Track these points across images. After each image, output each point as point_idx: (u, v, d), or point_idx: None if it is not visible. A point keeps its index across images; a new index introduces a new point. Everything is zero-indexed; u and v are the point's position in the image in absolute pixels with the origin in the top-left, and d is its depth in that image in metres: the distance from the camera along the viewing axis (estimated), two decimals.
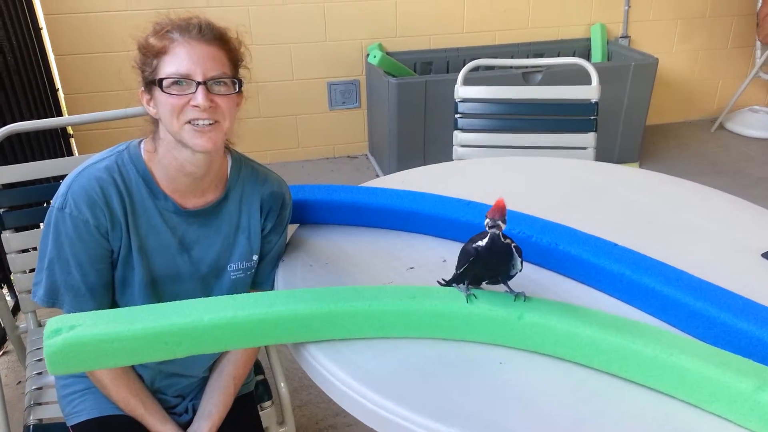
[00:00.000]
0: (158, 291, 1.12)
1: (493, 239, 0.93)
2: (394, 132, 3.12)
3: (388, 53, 3.37)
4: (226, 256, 1.16)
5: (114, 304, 1.13)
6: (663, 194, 1.52)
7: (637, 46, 3.78)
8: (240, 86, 1.05)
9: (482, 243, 0.94)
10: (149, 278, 1.11)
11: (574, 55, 3.66)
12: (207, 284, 1.16)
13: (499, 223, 0.90)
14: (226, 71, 1.02)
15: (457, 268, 1.00)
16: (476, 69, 2.18)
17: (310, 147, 3.62)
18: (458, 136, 2.11)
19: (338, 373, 0.95)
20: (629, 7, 3.74)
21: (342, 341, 1.01)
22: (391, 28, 3.47)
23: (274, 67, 3.37)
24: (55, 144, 3.02)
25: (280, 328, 0.98)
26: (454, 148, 2.12)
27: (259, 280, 1.23)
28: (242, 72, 1.08)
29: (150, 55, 1.01)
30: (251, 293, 1.02)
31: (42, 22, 3.02)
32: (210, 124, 1.02)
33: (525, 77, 3.14)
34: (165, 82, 0.99)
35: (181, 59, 0.99)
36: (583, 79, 2.10)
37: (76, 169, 1.06)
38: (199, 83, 0.99)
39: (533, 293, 1.02)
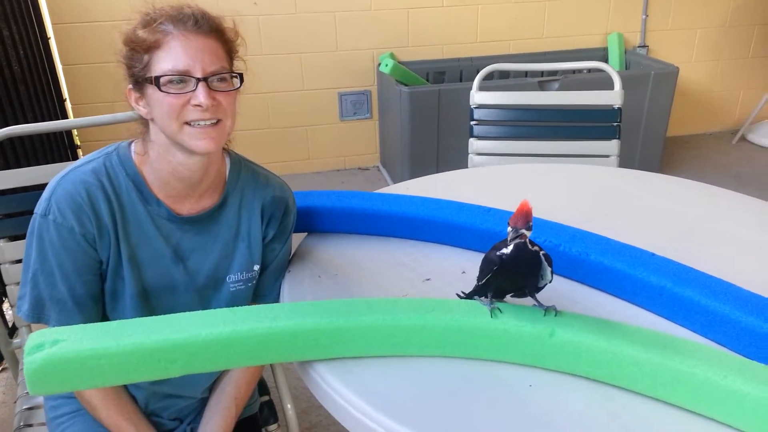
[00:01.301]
0: (151, 304, 1.04)
1: (519, 246, 0.83)
2: (406, 142, 3.03)
3: (400, 62, 3.30)
4: (224, 266, 1.07)
5: (104, 319, 1.04)
6: (698, 202, 1.42)
7: (656, 56, 3.69)
8: (241, 81, 0.97)
9: (507, 250, 0.84)
10: (141, 290, 1.02)
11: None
12: (204, 297, 1.07)
13: (524, 231, 0.81)
14: (225, 65, 0.94)
15: (479, 278, 0.90)
16: (491, 77, 2.09)
17: (321, 158, 3.55)
18: (474, 144, 2.02)
19: (348, 396, 0.86)
20: (647, 16, 3.65)
21: (353, 359, 0.92)
22: (403, 37, 3.40)
23: (284, 77, 3.31)
24: (62, 155, 2.97)
25: (284, 344, 0.89)
26: (470, 156, 2.03)
27: (262, 292, 1.14)
28: (238, 64, 0.99)
29: (140, 50, 0.91)
30: (253, 306, 0.93)
31: (50, 31, 2.98)
32: (212, 124, 0.94)
33: (541, 86, 3.05)
34: (163, 80, 0.90)
35: (177, 54, 0.90)
36: (602, 87, 2.01)
37: (61, 173, 0.98)
38: (199, 80, 0.91)
39: (564, 308, 0.92)
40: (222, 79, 0.94)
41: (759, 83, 3.98)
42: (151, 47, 0.91)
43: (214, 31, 0.94)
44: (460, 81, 3.44)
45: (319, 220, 1.28)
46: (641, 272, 1.00)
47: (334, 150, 3.54)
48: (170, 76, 0.90)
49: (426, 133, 3.03)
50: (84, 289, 0.98)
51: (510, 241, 0.84)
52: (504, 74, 3.32)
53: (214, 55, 0.93)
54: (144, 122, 0.99)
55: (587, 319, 0.89)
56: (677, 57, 3.76)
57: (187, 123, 0.93)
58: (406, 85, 3.07)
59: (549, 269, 0.88)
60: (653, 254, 1.04)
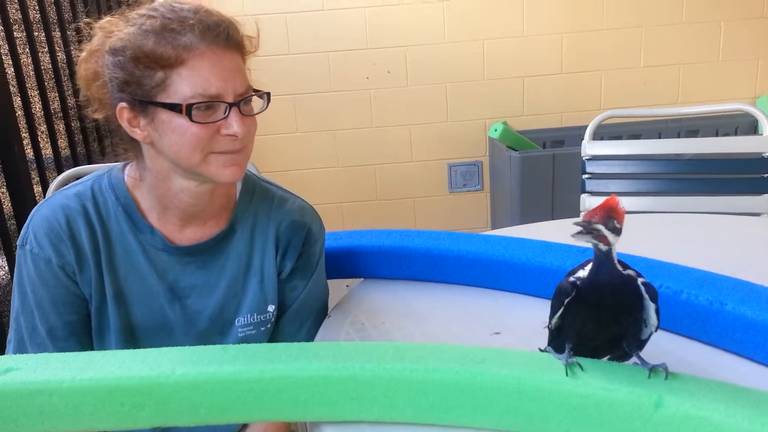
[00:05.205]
0: (140, 344, 0.86)
1: (601, 263, 0.57)
2: (516, 212, 2.77)
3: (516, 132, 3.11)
4: (232, 307, 0.88)
5: None
6: None
7: None
8: (269, 101, 0.81)
9: (584, 273, 0.58)
10: (127, 326, 0.86)
11: (736, 132, 3.14)
12: (207, 343, 0.86)
13: (604, 231, 0.55)
14: (249, 84, 0.79)
15: (550, 317, 0.64)
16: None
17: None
18: (586, 201, 1.74)
19: None
20: None
21: (372, 425, 0.67)
22: (517, 106, 3.22)
23: (393, 149, 3.24)
24: None
25: (280, 395, 0.67)
26: (582, 214, 1.74)
27: (281, 340, 0.92)
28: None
29: (153, 65, 0.73)
30: (251, 345, 0.73)
31: None
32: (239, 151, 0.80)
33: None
34: (195, 110, 0.74)
35: (207, 76, 0.74)
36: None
37: (46, 198, 0.87)
38: (230, 105, 0.76)
39: (678, 370, 0.62)
40: (247, 101, 0.79)
41: None
42: (171, 64, 0.73)
43: (237, 44, 0.78)
44: None
45: (375, 263, 1.07)
46: None
47: (443, 223, 3.35)
48: (204, 103, 0.74)
49: (538, 201, 2.75)
50: (65, 331, 0.84)
51: (583, 237, 0.57)
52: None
53: (242, 74, 0.78)
54: (135, 146, 0.83)
55: (715, 385, 0.59)
56: None
57: (212, 152, 0.78)
58: (516, 150, 2.85)
59: (653, 306, 0.60)
60: None
